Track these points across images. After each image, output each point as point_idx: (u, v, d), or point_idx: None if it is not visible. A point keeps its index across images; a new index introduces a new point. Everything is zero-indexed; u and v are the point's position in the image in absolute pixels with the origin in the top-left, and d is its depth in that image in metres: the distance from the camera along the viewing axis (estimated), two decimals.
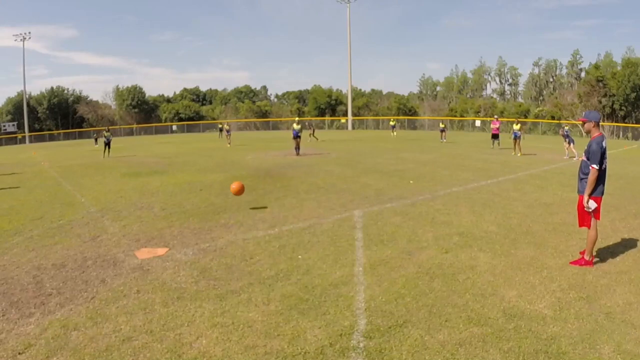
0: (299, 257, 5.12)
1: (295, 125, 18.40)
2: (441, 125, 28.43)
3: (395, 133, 35.47)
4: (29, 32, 66.31)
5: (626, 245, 5.49)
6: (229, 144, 25.80)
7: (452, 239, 5.76)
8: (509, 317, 3.56)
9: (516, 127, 18.11)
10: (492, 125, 21.56)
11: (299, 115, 57.06)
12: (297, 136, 18.07)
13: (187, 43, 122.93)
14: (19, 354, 3.12)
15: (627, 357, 2.98)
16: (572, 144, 16.50)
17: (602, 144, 4.56)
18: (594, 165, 4.53)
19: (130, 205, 8.42)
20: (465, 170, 12.81)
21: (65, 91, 68.93)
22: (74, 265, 4.98)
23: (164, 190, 10.04)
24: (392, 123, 37.47)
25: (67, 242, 5.97)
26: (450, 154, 18.41)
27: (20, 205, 8.75)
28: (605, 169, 4.68)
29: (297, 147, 17.98)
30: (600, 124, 4.77)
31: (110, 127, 25.12)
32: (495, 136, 20.77)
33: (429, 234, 5.96)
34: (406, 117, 56.19)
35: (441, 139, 27.03)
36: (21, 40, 56.02)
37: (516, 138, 17.88)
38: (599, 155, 4.52)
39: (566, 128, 17.51)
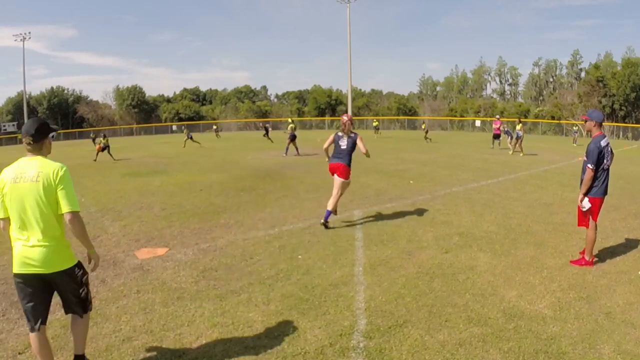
0: (299, 257, 5.12)
1: (289, 127, 18.33)
2: (423, 126, 29.15)
3: (379, 133, 34.07)
4: (29, 32, 66.23)
5: (626, 245, 5.49)
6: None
7: (452, 239, 5.76)
8: (509, 317, 3.56)
9: (518, 127, 18.21)
10: (493, 125, 21.57)
11: (300, 115, 57.11)
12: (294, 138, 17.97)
13: (187, 43, 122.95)
14: (19, 354, 3.12)
15: (627, 357, 2.98)
16: (513, 139, 18.45)
17: (599, 143, 4.55)
18: (589, 165, 4.55)
19: (130, 205, 8.42)
20: (465, 170, 12.82)
21: (65, 91, 68.98)
22: None
23: (164, 190, 10.04)
24: (375, 124, 36.23)
25: None
26: (450, 154, 18.41)
27: None
28: (607, 169, 4.66)
29: (296, 148, 17.91)
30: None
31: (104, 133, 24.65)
32: (496, 136, 20.78)
33: (429, 234, 5.96)
34: (406, 117, 56.20)
35: (427, 138, 26.60)
36: (21, 40, 56.00)
37: (517, 138, 17.94)
38: (595, 155, 4.51)
39: (505, 127, 19.20)
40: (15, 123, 58.95)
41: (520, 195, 8.84)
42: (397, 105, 60.79)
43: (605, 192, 4.69)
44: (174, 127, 58.29)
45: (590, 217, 4.71)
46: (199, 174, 12.72)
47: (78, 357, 2.87)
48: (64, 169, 2.63)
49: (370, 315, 3.62)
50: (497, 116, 24.12)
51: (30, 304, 2.62)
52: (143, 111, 68.06)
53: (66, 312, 2.85)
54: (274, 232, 6.23)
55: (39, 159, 2.64)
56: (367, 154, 6.62)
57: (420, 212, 7.32)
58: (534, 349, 3.08)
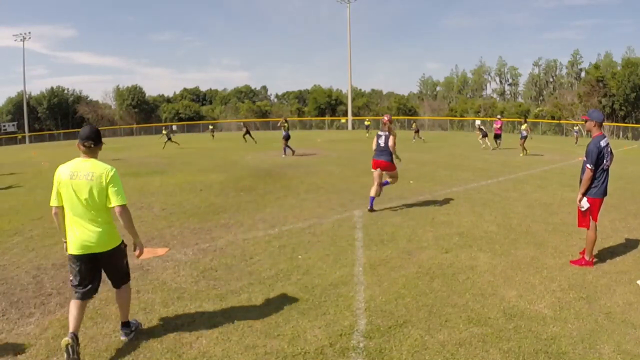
0: (299, 257, 5.12)
1: (285, 126, 18.35)
2: (413, 126, 29.83)
3: (370, 133, 32.86)
4: (29, 32, 66.27)
5: (626, 245, 5.49)
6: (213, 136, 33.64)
7: (452, 239, 5.76)
8: (509, 317, 3.56)
9: (523, 126, 18.13)
10: (494, 125, 21.52)
11: (300, 115, 57.07)
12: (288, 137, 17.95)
13: (186, 43, 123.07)
14: (19, 354, 3.12)
15: (627, 357, 2.98)
16: (485, 137, 19.35)
17: (599, 144, 4.54)
18: (588, 165, 4.55)
19: (130, 205, 8.39)
20: (465, 170, 12.81)
21: (65, 91, 68.95)
22: None
23: (164, 190, 10.04)
24: (367, 123, 36.12)
25: None
26: (450, 154, 18.41)
27: (20, 205, 8.75)
28: (606, 170, 4.65)
29: (290, 148, 17.81)
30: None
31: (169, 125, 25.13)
32: (497, 136, 20.73)
33: (429, 234, 5.96)
34: (406, 117, 56.16)
35: (414, 138, 27.02)
36: (21, 40, 56.02)
37: (522, 138, 17.82)
38: (595, 155, 4.50)
39: (478, 122, 20.02)
40: (15, 123, 58.92)
41: (520, 195, 8.84)
42: (397, 105, 60.76)
43: (604, 193, 4.67)
44: (174, 127, 58.31)
45: (590, 218, 4.70)
46: (199, 174, 12.72)
47: (124, 324, 3.38)
48: (114, 170, 3.19)
49: (370, 315, 3.62)
50: (498, 116, 24.06)
51: (84, 280, 3.16)
52: (143, 111, 68.04)
53: (114, 286, 3.40)
54: (274, 232, 6.23)
55: (92, 161, 3.16)
56: (393, 150, 7.46)
57: (420, 212, 7.32)
58: (534, 349, 3.08)
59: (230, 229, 6.43)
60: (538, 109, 51.42)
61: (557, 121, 44.09)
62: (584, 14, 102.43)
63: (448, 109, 59.75)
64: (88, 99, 70.03)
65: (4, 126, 57.39)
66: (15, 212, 8.13)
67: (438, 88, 75.92)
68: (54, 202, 3.16)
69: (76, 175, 3.09)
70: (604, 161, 4.58)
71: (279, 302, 3.90)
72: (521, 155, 17.19)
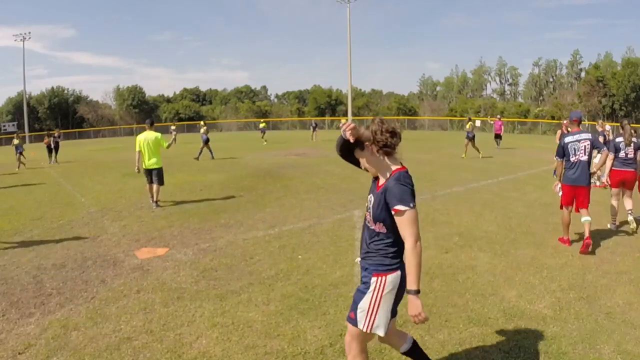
0: (299, 257, 5.12)
1: (202, 130, 17.70)
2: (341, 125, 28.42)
3: (265, 140, 26.98)
4: (29, 32, 66.15)
5: (626, 245, 5.49)
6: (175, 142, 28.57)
7: (452, 239, 5.76)
8: (509, 317, 3.56)
9: (467, 126, 17.23)
10: (494, 125, 21.48)
11: (300, 115, 57.07)
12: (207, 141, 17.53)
13: (186, 43, 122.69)
14: (19, 354, 3.12)
15: (627, 357, 2.98)
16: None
17: (564, 140, 5.36)
18: (556, 157, 5.50)
19: (130, 205, 8.42)
20: (465, 170, 12.81)
21: (66, 91, 68.88)
22: (74, 265, 4.98)
23: (164, 190, 10.02)
24: (262, 125, 29.39)
25: (67, 242, 5.97)
26: (450, 154, 18.40)
27: (20, 205, 8.75)
28: (576, 162, 5.27)
29: (210, 151, 17.44)
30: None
31: (20, 134, 20.78)
32: (497, 136, 20.71)
33: (429, 234, 5.96)
34: (406, 117, 56.14)
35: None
36: (21, 40, 55.98)
37: (468, 138, 16.87)
38: (560, 149, 5.37)
39: (478, 123, 19.30)
40: (15, 123, 58.83)
41: (520, 195, 8.84)
42: (397, 105, 60.69)
43: (575, 182, 5.32)
44: (173, 127, 58.27)
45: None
46: (199, 174, 12.72)
47: (157, 201, 8.15)
48: (161, 134, 8.31)
49: None
50: (498, 116, 24.03)
51: (148, 178, 8.23)
52: (143, 111, 67.88)
53: (158, 184, 8.13)
54: (274, 232, 6.23)
55: (152, 132, 8.19)
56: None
57: (420, 212, 7.29)
58: (534, 349, 3.08)
59: (230, 229, 6.43)
60: (538, 109, 51.35)
61: (557, 121, 44.00)
62: (584, 14, 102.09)
63: (448, 109, 59.66)
64: (88, 99, 69.86)
65: (4, 126, 57.29)
66: (16, 212, 8.13)
67: (438, 88, 75.74)
68: (137, 149, 8.06)
69: (147, 138, 7.97)
70: (572, 155, 5.26)
71: (279, 302, 3.90)
72: (463, 157, 16.15)
